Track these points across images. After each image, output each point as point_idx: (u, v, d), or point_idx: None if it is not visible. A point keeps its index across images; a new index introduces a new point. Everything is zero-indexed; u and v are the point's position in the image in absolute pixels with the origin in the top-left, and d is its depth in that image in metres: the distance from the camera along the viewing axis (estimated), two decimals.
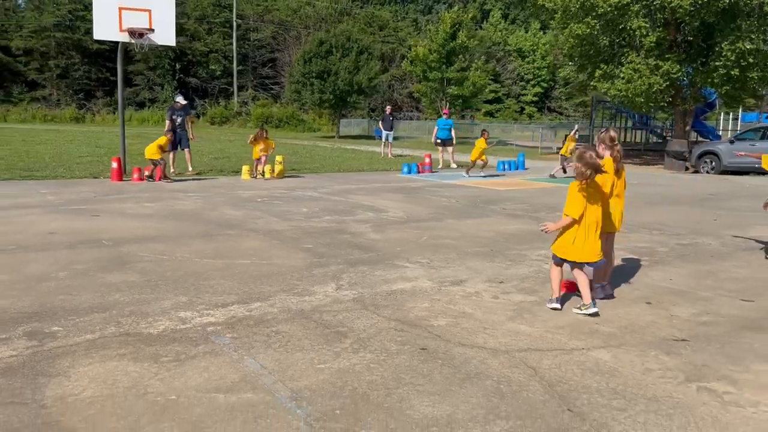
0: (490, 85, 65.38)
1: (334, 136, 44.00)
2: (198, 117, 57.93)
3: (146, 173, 14.53)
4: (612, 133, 5.45)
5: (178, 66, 62.67)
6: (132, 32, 13.86)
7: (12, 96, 60.04)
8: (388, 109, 25.51)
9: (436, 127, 20.48)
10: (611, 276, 5.91)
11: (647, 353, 4.33)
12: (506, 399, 3.60)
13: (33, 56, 60.38)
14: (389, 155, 24.43)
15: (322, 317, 4.97)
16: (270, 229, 8.69)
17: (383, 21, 65.88)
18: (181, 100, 16.29)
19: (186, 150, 15.94)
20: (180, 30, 61.95)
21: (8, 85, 60.90)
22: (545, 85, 66.48)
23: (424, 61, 34.30)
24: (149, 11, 14.03)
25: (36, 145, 24.99)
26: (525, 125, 56.25)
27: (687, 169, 23.03)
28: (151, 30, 13.94)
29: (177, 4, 53.04)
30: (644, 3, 21.20)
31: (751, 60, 21.60)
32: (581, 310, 5.16)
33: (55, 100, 60.32)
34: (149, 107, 60.39)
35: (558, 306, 5.29)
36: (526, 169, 20.42)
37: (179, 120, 15.77)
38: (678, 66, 21.86)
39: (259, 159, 15.78)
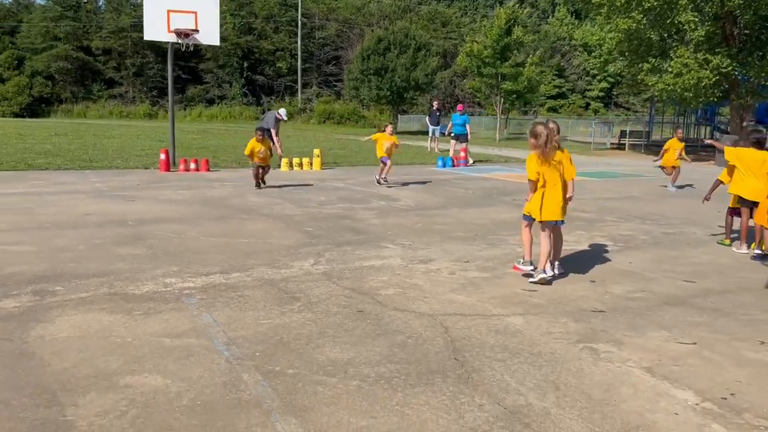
0: (554, 80, 64.80)
1: None
2: (263, 113, 59.83)
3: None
4: (551, 125, 5.90)
5: (245, 64, 64.61)
6: (179, 33, 14.90)
7: (92, 93, 63.51)
8: (435, 104, 25.97)
9: (450, 123, 20.72)
10: (563, 257, 6.35)
11: (558, 320, 4.81)
12: (406, 349, 4.17)
13: (111, 56, 63.57)
14: (436, 150, 24.86)
15: (287, 285, 5.64)
16: (281, 214, 9.43)
17: (446, 17, 66.14)
18: (284, 115, 16.58)
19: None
20: (248, 29, 64.17)
21: (88, 83, 64.41)
22: (611, 80, 65.11)
23: (478, 57, 34.53)
24: (195, 13, 15.03)
25: (105, 139, 26.66)
26: (590, 121, 55.35)
27: None
28: (196, 30, 14.93)
29: (245, 5, 54.44)
30: None
31: None
32: (535, 277, 5.70)
33: (130, 97, 63.37)
34: (218, 104, 62.61)
35: (531, 268, 5.90)
36: None
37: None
38: (728, 60, 21.45)
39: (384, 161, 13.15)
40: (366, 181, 14.10)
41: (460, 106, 21.10)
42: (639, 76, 23.56)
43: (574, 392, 3.56)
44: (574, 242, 7.75)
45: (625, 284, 5.86)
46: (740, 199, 7.45)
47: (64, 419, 3.16)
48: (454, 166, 18.41)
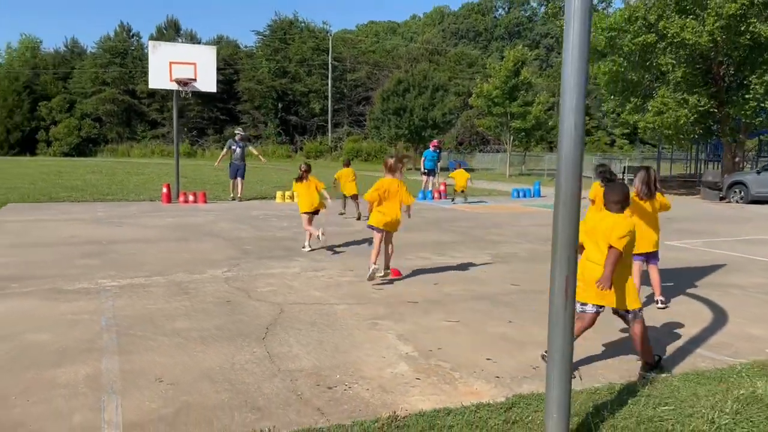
0: None
1: (411, 168, 46.27)
2: (296, 151, 62.59)
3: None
4: (393, 159, 7.40)
5: (280, 105, 67.69)
6: (179, 81, 16.86)
7: (136, 134, 67.50)
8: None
9: (423, 158, 22.16)
10: (431, 267, 7.73)
11: (374, 308, 6.20)
12: (238, 324, 5.63)
13: (155, 98, 67.35)
14: (430, 186, 26.30)
15: (188, 286, 7.17)
16: (235, 236, 11.01)
17: (472, 58, 68.19)
18: (240, 132, 19.30)
19: (240, 179, 18.70)
20: (283, 73, 67.24)
21: (134, 124, 68.48)
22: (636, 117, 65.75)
23: (487, 97, 36.17)
24: (194, 64, 17.01)
25: (133, 176, 28.98)
26: (613, 157, 55.83)
27: (722, 198, 23.38)
28: (194, 79, 16.88)
29: (279, 50, 57.21)
30: (668, 41, 22.12)
31: None
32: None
33: (172, 137, 66.72)
34: (254, 143, 65.39)
35: (374, 267, 7.26)
36: (543, 196, 21.74)
37: (238, 151, 18.62)
38: (706, 99, 22.49)
39: None
40: (338, 210, 15.62)
41: (433, 143, 22.52)
42: (623, 116, 24.74)
43: (329, 346, 4.97)
44: (460, 257, 9.12)
45: (460, 286, 7.22)
46: None
47: None
48: (434, 199, 19.81)
